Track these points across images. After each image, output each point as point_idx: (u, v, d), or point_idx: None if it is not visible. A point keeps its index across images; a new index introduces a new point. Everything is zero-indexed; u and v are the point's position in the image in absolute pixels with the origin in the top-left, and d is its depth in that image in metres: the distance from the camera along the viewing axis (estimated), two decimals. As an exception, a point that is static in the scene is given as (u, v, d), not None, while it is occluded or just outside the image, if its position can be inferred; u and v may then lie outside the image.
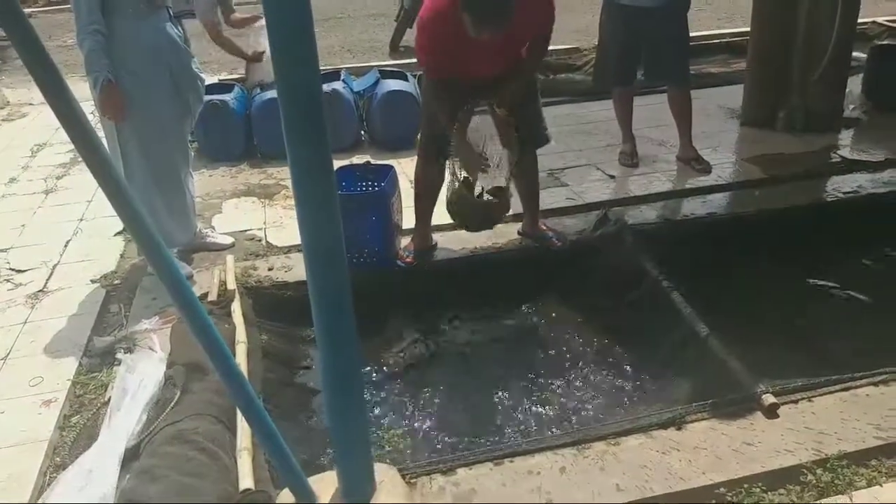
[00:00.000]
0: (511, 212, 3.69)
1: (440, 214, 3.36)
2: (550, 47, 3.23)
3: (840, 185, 3.96)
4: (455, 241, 3.48)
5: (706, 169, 4.16)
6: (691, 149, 4.25)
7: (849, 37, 4.50)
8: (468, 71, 2.97)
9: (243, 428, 2.19)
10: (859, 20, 4.66)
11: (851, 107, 4.94)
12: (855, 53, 4.82)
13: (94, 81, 2.92)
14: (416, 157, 3.38)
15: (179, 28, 3.20)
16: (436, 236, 3.49)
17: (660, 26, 4.00)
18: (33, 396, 2.55)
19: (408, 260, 3.34)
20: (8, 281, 3.33)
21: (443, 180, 3.28)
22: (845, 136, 4.61)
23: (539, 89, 3.29)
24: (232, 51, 5.04)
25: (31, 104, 5.96)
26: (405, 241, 3.45)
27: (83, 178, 4.38)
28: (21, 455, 2.29)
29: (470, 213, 3.19)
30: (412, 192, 3.41)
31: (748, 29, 5.04)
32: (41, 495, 2.14)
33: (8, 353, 2.81)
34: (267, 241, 3.61)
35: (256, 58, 5.04)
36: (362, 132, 4.92)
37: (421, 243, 3.41)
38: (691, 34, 4.29)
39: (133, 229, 1.48)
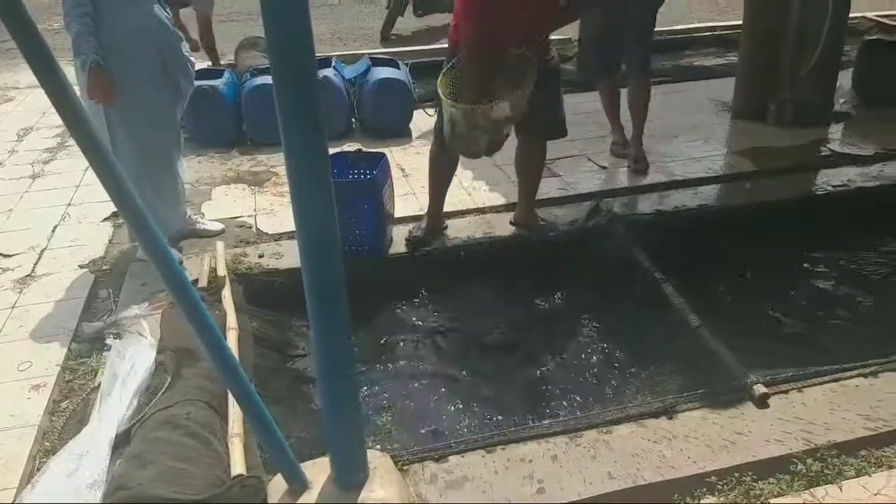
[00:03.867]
0: (505, 201, 3.72)
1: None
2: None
3: (830, 179, 3.99)
4: (451, 231, 3.51)
5: (641, 170, 4.03)
6: (638, 145, 4.10)
7: (839, 31, 4.52)
8: (510, 33, 2.94)
9: (235, 413, 2.18)
10: (850, 15, 4.68)
11: (842, 101, 4.97)
12: (845, 48, 4.85)
13: (81, 64, 2.88)
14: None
15: (167, 11, 3.17)
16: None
17: (628, 13, 3.91)
18: (22, 381, 2.53)
19: (416, 234, 3.39)
20: (-5, 265, 3.30)
21: (457, 164, 3.35)
22: (835, 130, 4.64)
23: (561, 79, 3.31)
24: (210, 48, 5.10)
25: (16, 88, 5.88)
26: (410, 225, 3.47)
27: (71, 163, 4.34)
28: (10, 439, 2.27)
29: (475, 134, 2.97)
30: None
31: (740, 22, 5.05)
32: (30, 480, 2.12)
33: (-4, 338, 2.78)
34: (257, 229, 3.59)
35: (215, 62, 5.20)
36: (353, 120, 4.90)
37: (432, 223, 3.44)
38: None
39: (126, 212, 1.47)
